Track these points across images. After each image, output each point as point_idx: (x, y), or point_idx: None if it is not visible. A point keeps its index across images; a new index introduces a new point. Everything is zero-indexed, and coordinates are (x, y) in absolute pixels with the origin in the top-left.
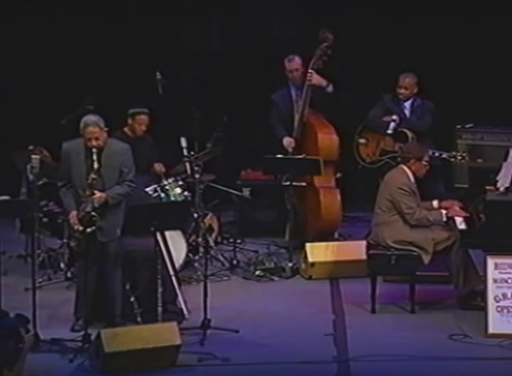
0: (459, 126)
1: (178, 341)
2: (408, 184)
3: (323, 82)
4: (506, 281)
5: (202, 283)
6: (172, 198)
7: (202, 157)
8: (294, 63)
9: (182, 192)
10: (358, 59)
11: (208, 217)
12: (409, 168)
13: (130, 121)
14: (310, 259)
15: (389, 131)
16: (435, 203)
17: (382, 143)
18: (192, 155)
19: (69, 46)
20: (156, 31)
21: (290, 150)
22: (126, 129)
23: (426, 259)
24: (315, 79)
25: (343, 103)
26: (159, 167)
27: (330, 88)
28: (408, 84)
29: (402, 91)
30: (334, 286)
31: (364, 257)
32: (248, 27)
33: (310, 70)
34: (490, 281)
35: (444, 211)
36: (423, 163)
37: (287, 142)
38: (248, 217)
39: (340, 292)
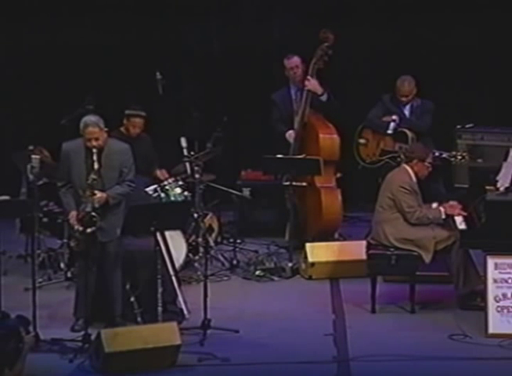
0: (459, 126)
1: (178, 341)
2: (409, 183)
3: (319, 90)
4: (506, 281)
5: (202, 283)
6: (172, 198)
7: (202, 157)
8: (293, 60)
9: (182, 192)
10: (358, 59)
11: (208, 217)
12: (412, 168)
13: (125, 122)
14: (310, 259)
15: (389, 132)
16: (434, 205)
17: (382, 143)
18: (192, 155)
19: (69, 46)
20: (156, 31)
21: (291, 140)
22: (122, 129)
23: (427, 258)
24: (311, 85)
25: (333, 113)
26: (162, 174)
27: (324, 98)
28: (408, 92)
29: (404, 99)
30: (334, 286)
31: (364, 257)
32: (248, 27)
33: (308, 77)
34: (490, 281)
35: (443, 209)
36: (426, 164)
37: (288, 134)
38: (248, 217)
39: (340, 292)
